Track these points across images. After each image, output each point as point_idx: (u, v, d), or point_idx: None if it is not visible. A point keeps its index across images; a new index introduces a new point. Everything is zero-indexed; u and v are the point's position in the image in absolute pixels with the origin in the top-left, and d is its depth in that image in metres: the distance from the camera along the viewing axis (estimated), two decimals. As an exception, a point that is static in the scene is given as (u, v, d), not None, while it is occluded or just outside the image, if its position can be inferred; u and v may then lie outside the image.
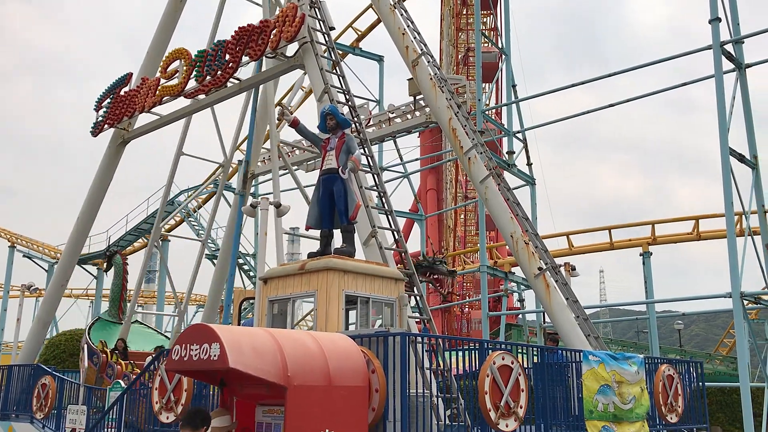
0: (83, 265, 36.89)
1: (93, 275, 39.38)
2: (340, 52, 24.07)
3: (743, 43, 18.40)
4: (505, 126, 22.64)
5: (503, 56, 23.73)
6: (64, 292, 19.73)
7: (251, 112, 19.28)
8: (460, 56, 44.23)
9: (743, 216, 17.74)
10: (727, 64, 17.70)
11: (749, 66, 18.28)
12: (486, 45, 39.07)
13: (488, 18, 39.96)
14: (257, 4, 19.13)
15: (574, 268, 14.88)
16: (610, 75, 20.10)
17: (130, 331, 18.95)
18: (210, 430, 6.30)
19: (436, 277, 11.84)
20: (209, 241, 34.51)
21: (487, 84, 32.25)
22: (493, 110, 30.42)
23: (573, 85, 20.64)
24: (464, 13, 44.72)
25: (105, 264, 20.08)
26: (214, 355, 6.04)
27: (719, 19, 17.34)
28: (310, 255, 9.50)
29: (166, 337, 21.03)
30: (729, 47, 17.79)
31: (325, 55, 13.44)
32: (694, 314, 37.14)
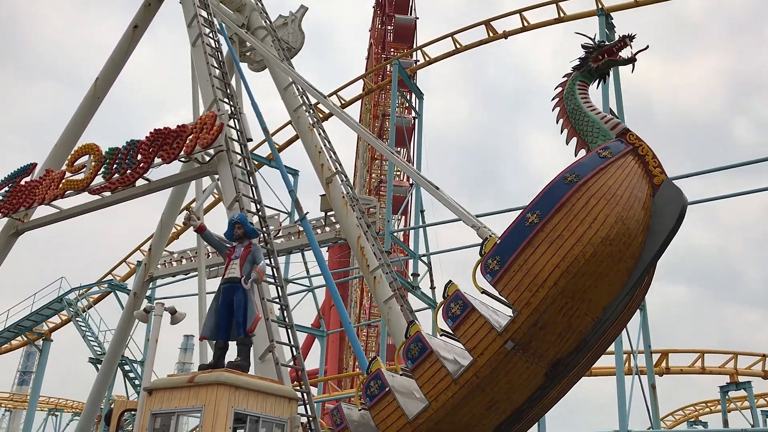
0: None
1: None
2: (256, 163, 24.30)
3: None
4: (412, 249, 23.09)
5: (412, 185, 24.60)
6: None
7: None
8: (373, 185, 45.61)
9: (631, 355, 18.47)
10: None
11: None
12: (398, 180, 40.65)
13: (402, 149, 41.69)
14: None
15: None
16: (512, 210, 21.11)
17: None
18: None
19: (611, 54, 10.39)
20: (95, 344, 32.58)
21: (395, 216, 33.23)
22: (401, 233, 31.09)
23: (478, 216, 21.49)
24: (380, 137, 46.57)
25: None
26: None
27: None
28: (201, 367, 9.07)
29: None
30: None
31: (240, 164, 13.50)
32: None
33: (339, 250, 33.79)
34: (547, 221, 9.27)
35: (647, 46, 10.60)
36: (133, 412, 11.14)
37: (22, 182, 17.99)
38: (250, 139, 14.45)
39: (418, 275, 22.45)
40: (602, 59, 10.79)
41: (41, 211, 17.97)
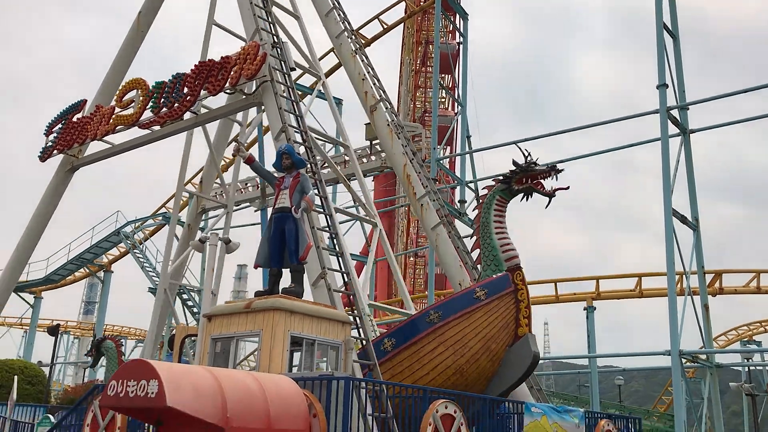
0: (19, 293, 35.52)
1: (29, 304, 37.93)
2: (300, 93, 24.23)
3: (688, 109, 19.23)
4: (458, 176, 22.97)
5: (459, 108, 24.23)
6: (-3, 321, 18.91)
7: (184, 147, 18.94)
8: (417, 115, 44.99)
9: (684, 276, 18.27)
10: (672, 129, 18.44)
11: (693, 131, 19.06)
12: (442, 108, 39.95)
13: (446, 76, 40.85)
14: (239, 36, 19.06)
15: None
16: (558, 132, 20.72)
17: None
18: None
19: (535, 181, 10.81)
20: (153, 274, 33.77)
21: (440, 146, 32.80)
22: (447, 160, 30.87)
23: (524, 140, 21.14)
24: (422, 70, 45.63)
25: (93, 356, 18.15)
26: (152, 393, 5.86)
27: (666, 85, 18.11)
28: (257, 294, 9.36)
29: None
30: (675, 112, 18.57)
31: (284, 94, 13.49)
32: (634, 370, 37.72)
33: (384, 179, 33.76)
34: (396, 353, 9.92)
35: (568, 187, 10.94)
36: (194, 338, 11.67)
37: (74, 119, 18.41)
38: (293, 69, 14.38)
39: (465, 202, 22.40)
40: (525, 183, 11.08)
41: (94, 146, 18.43)
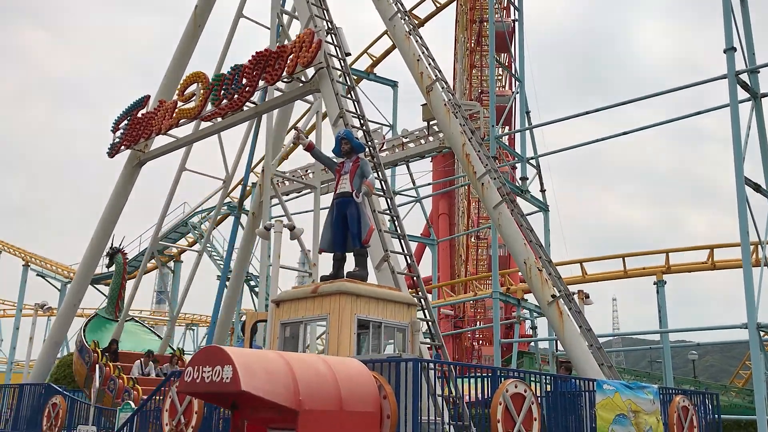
0: (96, 285, 37.02)
1: (105, 295, 39.48)
2: (355, 77, 24.29)
3: (759, 72, 18.38)
4: (519, 153, 22.65)
5: (517, 84, 23.85)
6: (76, 312, 19.76)
7: (253, 135, 19.29)
8: (474, 95, 44.33)
9: (759, 246, 17.59)
10: (742, 94, 17.67)
11: (765, 95, 18.23)
12: (499, 86, 39.23)
13: (503, 54, 40.15)
14: (266, 27, 19.29)
15: (587, 296, 14.75)
16: (622, 103, 20.09)
17: (124, 330, 19.39)
18: None
19: None
20: (221, 263, 34.62)
21: (499, 125, 32.27)
22: (507, 138, 30.44)
23: (586, 113, 20.65)
24: (477, 49, 44.88)
25: (108, 261, 21.36)
26: (227, 378, 6.02)
27: (734, 49, 17.35)
28: (323, 278, 9.49)
29: (159, 337, 21.28)
30: (744, 77, 17.78)
31: (341, 80, 13.55)
32: (708, 345, 36.62)
33: (442, 160, 33.54)
34: None
35: None
36: (263, 323, 11.94)
37: (139, 115, 18.97)
38: (349, 54, 14.41)
39: (527, 179, 22.08)
40: None
41: (159, 140, 18.97)
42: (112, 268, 21.32)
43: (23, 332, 42.11)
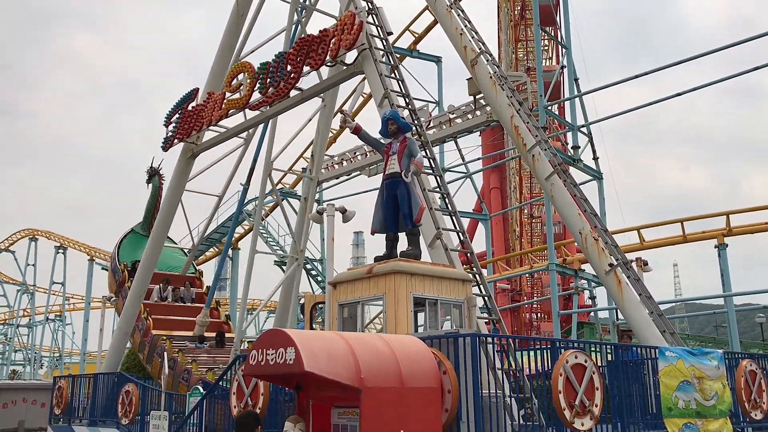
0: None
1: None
2: (398, 56, 24.18)
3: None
4: (569, 121, 22.28)
5: (564, 52, 23.40)
6: (141, 302, 20.45)
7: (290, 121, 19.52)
8: (521, 69, 43.60)
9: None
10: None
11: (826, 45, 17.49)
12: (546, 58, 38.35)
13: (549, 28, 39.33)
14: (332, 16, 19.49)
15: (646, 263, 14.51)
16: (672, 65, 19.54)
17: (162, 253, 21.06)
18: None
19: None
20: (277, 248, 35.25)
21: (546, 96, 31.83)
22: (556, 107, 29.92)
23: (636, 77, 20.18)
24: (522, 22, 44.05)
25: (147, 179, 23.51)
26: (290, 360, 6.21)
27: (791, -1, 16.67)
28: (377, 259, 9.60)
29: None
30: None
31: (384, 60, 13.55)
32: (771, 307, 35.53)
33: (491, 134, 33.20)
34: None
35: None
36: (321, 305, 12.18)
37: (189, 108, 19.37)
38: (390, 33, 14.39)
39: (579, 147, 21.72)
40: None
41: (210, 132, 19.35)
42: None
43: (92, 324, 43.86)
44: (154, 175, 23.09)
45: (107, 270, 15.05)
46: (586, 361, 8.04)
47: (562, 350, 8.05)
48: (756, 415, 10.60)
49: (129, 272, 18.96)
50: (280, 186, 36.49)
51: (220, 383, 11.67)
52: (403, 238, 9.64)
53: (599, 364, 8.65)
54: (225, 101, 17.41)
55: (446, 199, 11.78)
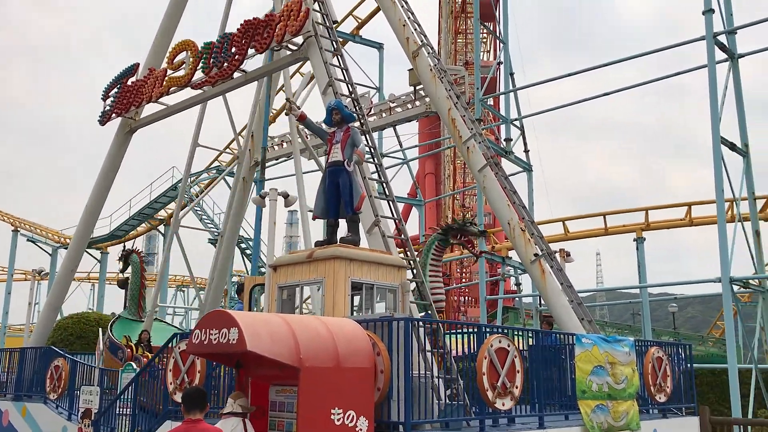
0: (87, 250, 37.35)
1: (96, 259, 39.90)
2: (341, 40, 24.35)
3: (736, 33, 18.79)
4: (503, 114, 23.05)
5: (502, 45, 24.11)
6: (73, 277, 20.19)
7: (244, 104, 19.59)
8: (459, 62, 44.42)
9: (734, 203, 18.25)
10: (720, 55, 18.10)
11: (742, 56, 18.68)
12: (484, 51, 39.14)
13: (490, 23, 40.04)
14: None
15: (568, 254, 15.42)
16: (603, 65, 20.46)
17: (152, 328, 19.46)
18: (233, 409, 6.87)
19: (467, 238, 13.18)
20: (212, 225, 35.04)
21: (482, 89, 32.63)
22: (492, 100, 30.74)
23: (569, 75, 21.06)
24: (462, 15, 44.74)
25: (121, 264, 20.66)
26: (233, 339, 6.55)
27: (713, 11, 17.72)
28: (317, 244, 9.98)
29: (181, 330, 21.47)
30: (722, 38, 18.19)
31: (329, 48, 13.83)
32: (687, 297, 37.71)
33: (428, 122, 33.82)
34: None
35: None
36: (261, 286, 12.46)
37: (129, 83, 19.13)
38: (336, 22, 14.65)
39: (511, 140, 22.52)
40: (459, 239, 13.55)
41: (149, 108, 19.17)
42: (128, 272, 20.73)
43: (15, 297, 42.53)
44: (130, 253, 20.77)
45: (101, 354, 13.89)
46: (509, 346, 8.67)
47: (488, 335, 8.65)
48: (660, 398, 11.56)
49: (136, 345, 17.44)
50: (217, 164, 36.23)
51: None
52: (343, 224, 10.03)
53: (522, 348, 9.32)
54: (166, 78, 17.33)
55: (384, 186, 12.23)
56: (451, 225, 13.69)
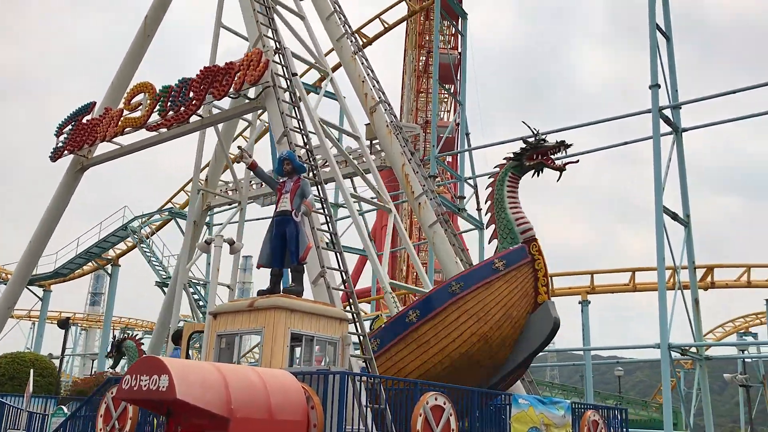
0: (29, 287, 36.23)
1: (38, 297, 38.65)
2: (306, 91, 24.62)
3: (681, 108, 19.70)
4: (458, 173, 23.53)
5: (459, 107, 24.76)
6: (10, 315, 19.55)
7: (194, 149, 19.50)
8: (420, 119, 45.41)
9: (675, 271, 18.80)
10: (664, 128, 18.92)
11: (686, 130, 19.55)
12: (444, 111, 40.19)
13: (449, 86, 41.17)
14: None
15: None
16: (558, 131, 21.13)
17: None
18: None
19: (546, 157, 11.56)
20: (159, 268, 34.43)
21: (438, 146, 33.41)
22: (450, 157, 31.40)
23: (521, 138, 21.64)
24: (424, 75, 45.92)
25: (113, 354, 19.30)
26: (163, 387, 6.44)
27: (659, 86, 18.59)
28: (260, 293, 9.93)
29: None
30: (667, 112, 19.04)
31: (287, 99, 14.03)
32: (634, 362, 38.33)
33: (389, 173, 34.23)
34: (421, 324, 10.53)
35: (578, 160, 11.88)
36: (200, 333, 12.27)
37: (84, 120, 18.99)
38: (295, 74, 14.91)
39: (464, 198, 22.95)
40: (536, 159, 11.60)
41: (103, 147, 19.02)
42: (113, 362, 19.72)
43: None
44: (122, 341, 19.67)
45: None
46: (444, 404, 8.69)
47: (425, 392, 8.65)
48: (594, 462, 11.62)
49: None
50: (169, 205, 35.87)
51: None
52: (287, 273, 10.02)
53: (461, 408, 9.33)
54: (122, 119, 17.27)
55: (333, 238, 12.29)
56: (525, 148, 11.78)
